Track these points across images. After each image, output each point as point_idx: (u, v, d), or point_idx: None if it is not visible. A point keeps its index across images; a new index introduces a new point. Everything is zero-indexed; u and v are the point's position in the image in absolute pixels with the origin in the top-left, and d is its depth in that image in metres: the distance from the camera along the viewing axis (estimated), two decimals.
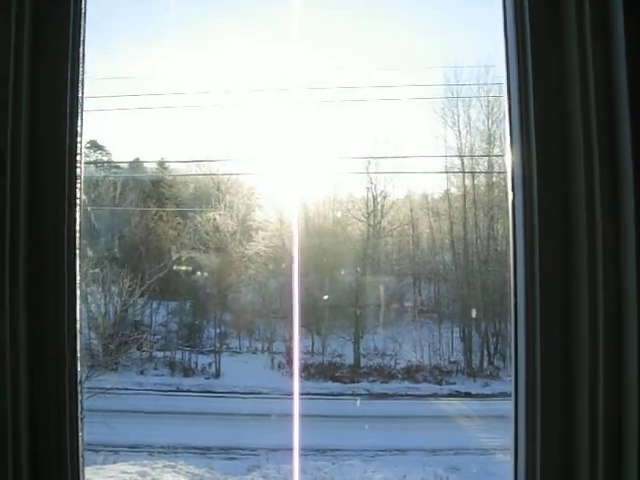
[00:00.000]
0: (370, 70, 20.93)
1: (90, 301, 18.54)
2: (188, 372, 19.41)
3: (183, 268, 21.39)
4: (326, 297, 18.44)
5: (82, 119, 1.74)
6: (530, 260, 1.62)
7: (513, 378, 1.69)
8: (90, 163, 22.10)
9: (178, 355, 19.84)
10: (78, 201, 1.72)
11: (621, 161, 1.50)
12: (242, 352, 20.75)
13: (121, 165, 22.15)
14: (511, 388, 1.75)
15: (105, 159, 22.17)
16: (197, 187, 21.78)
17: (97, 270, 18.50)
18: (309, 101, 19.82)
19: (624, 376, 1.48)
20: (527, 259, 1.63)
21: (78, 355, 1.67)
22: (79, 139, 1.73)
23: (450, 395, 18.32)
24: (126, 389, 17.22)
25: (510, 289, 1.74)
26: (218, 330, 20.62)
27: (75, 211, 1.70)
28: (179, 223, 20.45)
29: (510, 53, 1.68)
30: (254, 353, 20.59)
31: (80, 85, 1.72)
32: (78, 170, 1.72)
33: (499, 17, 1.73)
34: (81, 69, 1.72)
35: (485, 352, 20.36)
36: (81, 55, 1.72)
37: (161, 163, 21.79)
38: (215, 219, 20.25)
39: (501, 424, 15.27)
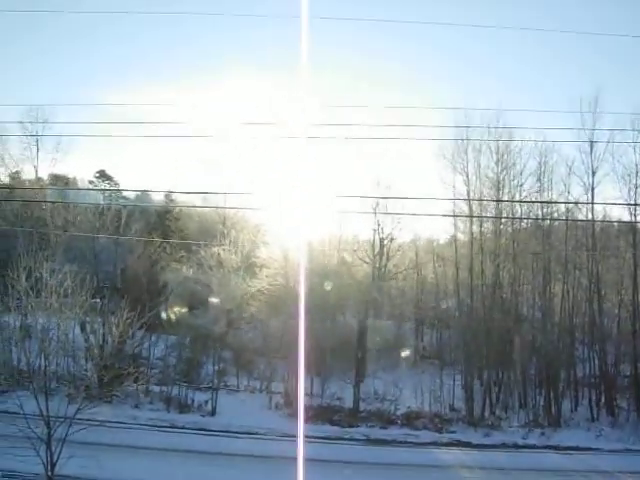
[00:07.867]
0: (380, 109, 20.98)
1: (88, 330, 18.32)
2: (184, 408, 19.12)
3: (184, 302, 21.28)
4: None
5: None
6: None
7: None
8: (96, 190, 22.21)
9: (175, 390, 19.57)
10: None
11: None
12: (240, 390, 20.51)
13: (128, 195, 22.20)
14: None
15: (112, 188, 22.24)
16: (203, 221, 21.79)
17: (97, 299, 18.27)
18: (318, 139, 19.81)
19: None
20: None
21: None
22: None
23: (450, 444, 17.90)
24: (119, 422, 16.90)
25: None
26: (217, 367, 20.36)
27: None
28: (182, 256, 20.37)
29: None
30: (252, 392, 20.33)
31: None
32: None
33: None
34: None
35: (487, 401, 19.99)
36: None
37: (168, 195, 21.85)
38: (219, 254, 20.16)
39: (501, 476, 14.87)
